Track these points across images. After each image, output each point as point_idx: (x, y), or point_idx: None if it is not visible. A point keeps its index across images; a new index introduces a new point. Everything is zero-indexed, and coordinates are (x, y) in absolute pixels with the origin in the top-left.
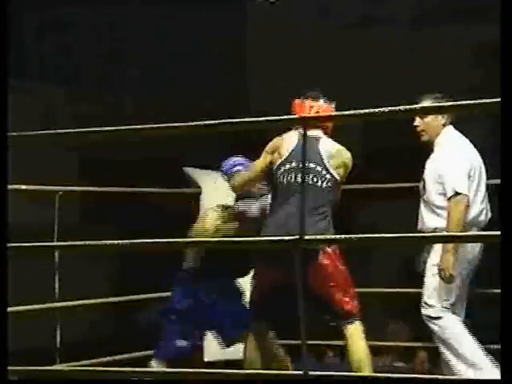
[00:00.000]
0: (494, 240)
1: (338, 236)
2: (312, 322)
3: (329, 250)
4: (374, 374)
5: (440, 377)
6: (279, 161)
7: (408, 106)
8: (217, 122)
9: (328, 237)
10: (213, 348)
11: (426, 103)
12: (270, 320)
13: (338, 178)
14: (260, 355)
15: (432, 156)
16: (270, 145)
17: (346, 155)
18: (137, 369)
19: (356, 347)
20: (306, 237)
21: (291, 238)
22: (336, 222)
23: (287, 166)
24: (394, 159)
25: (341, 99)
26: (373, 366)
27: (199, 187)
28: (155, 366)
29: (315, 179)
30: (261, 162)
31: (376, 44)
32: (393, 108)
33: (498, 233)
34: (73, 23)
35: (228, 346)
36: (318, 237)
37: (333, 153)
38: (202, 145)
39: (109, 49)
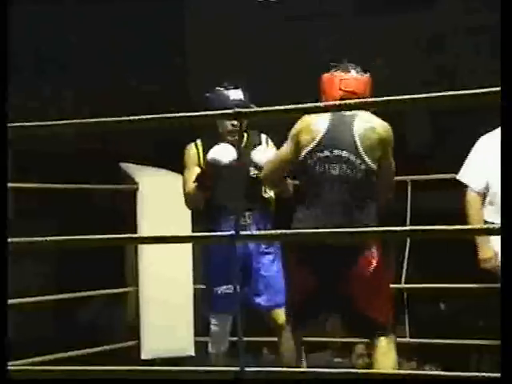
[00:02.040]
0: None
1: (280, 231)
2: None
3: (374, 251)
4: (314, 369)
5: (436, 373)
6: (309, 147)
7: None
8: (149, 116)
9: (263, 233)
10: (151, 345)
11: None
12: (306, 321)
13: (373, 165)
14: (292, 354)
15: None
16: (297, 126)
17: (381, 131)
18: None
19: (382, 364)
20: (242, 233)
21: (227, 234)
22: None
23: (318, 155)
24: None
25: (286, 91)
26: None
27: (136, 183)
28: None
29: (348, 170)
30: (288, 148)
31: (321, 35)
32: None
33: (498, 225)
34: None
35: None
36: (254, 232)
37: (364, 133)
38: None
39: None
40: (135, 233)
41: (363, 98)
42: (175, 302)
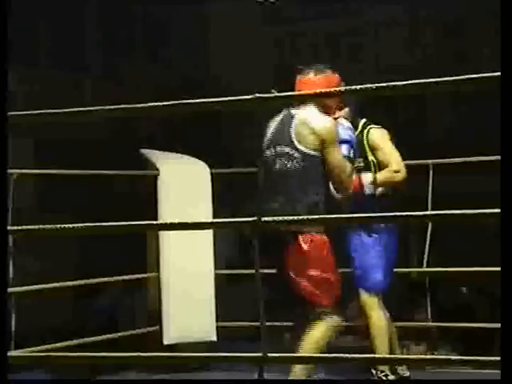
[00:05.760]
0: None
1: (297, 217)
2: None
3: (315, 236)
4: (334, 355)
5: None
6: (263, 145)
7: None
8: (183, 102)
9: (286, 218)
10: (173, 331)
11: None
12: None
13: (309, 152)
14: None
15: None
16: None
17: (315, 125)
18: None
19: (307, 346)
20: (264, 218)
21: (249, 219)
22: None
23: (266, 152)
24: None
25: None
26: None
27: (157, 170)
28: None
29: (286, 162)
30: None
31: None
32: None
33: (498, 210)
34: None
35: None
36: (276, 218)
37: (298, 126)
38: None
39: None
40: (156, 219)
41: (319, 102)
42: (197, 287)
